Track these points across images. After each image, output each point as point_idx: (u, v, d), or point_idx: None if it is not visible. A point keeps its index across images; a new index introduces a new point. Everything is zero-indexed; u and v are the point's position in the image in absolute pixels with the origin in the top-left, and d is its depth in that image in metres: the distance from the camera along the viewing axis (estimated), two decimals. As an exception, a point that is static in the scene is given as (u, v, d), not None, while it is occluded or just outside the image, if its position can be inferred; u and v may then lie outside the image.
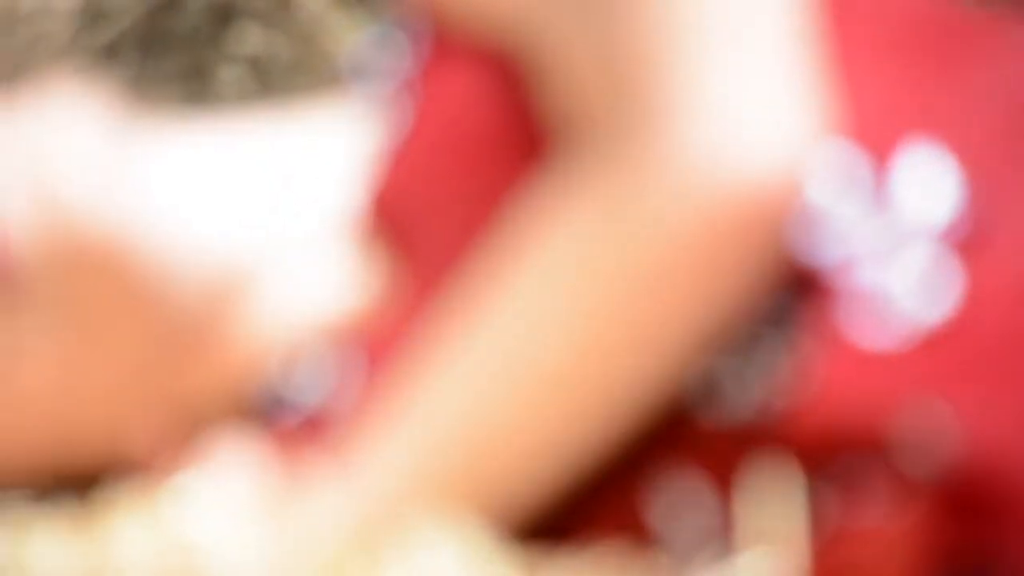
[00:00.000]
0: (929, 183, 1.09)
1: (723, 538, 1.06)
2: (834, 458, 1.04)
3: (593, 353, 1.06)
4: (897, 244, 1.07)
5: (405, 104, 1.21)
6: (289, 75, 1.44)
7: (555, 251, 1.06)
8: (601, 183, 1.06)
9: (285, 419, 1.23)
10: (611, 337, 1.05)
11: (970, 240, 1.07)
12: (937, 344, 1.05)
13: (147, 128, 1.27)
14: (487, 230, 1.14)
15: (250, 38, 1.53)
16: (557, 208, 1.06)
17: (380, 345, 1.20)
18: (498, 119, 1.16)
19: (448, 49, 1.20)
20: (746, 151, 1.04)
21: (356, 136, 1.25)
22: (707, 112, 1.04)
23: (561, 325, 1.05)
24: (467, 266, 1.14)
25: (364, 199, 1.22)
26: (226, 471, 1.19)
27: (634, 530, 1.08)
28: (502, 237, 1.12)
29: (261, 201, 1.25)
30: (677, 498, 1.07)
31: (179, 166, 1.25)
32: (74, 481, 1.21)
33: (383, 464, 1.07)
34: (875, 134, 1.11)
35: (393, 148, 1.21)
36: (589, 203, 1.06)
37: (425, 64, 1.21)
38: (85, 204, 1.19)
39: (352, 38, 1.48)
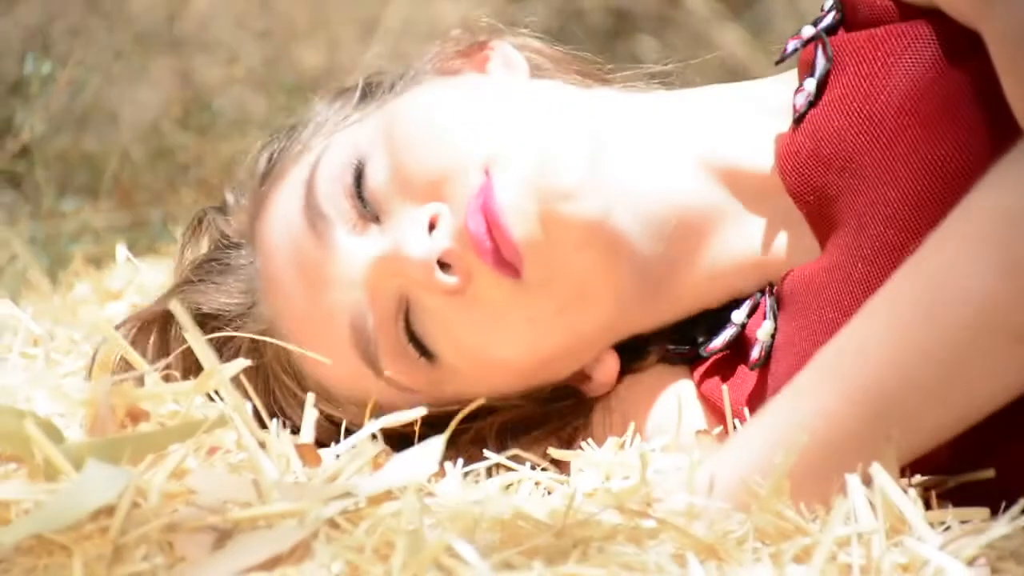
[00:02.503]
0: None
1: None
2: None
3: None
4: None
5: (843, 67, 1.29)
6: (680, 75, 1.53)
7: (996, 206, 1.10)
8: None
9: (723, 355, 1.37)
10: None
11: None
12: None
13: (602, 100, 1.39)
14: (922, 191, 1.23)
15: (644, 40, 1.63)
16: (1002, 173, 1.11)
17: (810, 295, 1.31)
18: (944, 83, 1.23)
19: (897, 13, 1.28)
20: None
21: (786, 100, 1.34)
22: None
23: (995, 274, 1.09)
24: (906, 222, 1.23)
25: (797, 157, 1.31)
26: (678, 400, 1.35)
27: None
28: (941, 199, 1.20)
29: (701, 164, 1.35)
30: None
31: (637, 135, 1.36)
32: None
33: (809, 406, 1.14)
34: None
35: (833, 108, 1.29)
36: None
37: (866, 31, 1.29)
38: (570, 181, 1.29)
39: (736, 34, 1.54)
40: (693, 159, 1.35)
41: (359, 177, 1.32)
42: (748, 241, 1.35)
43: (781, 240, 1.35)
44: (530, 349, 1.31)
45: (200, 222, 1.44)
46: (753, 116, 1.36)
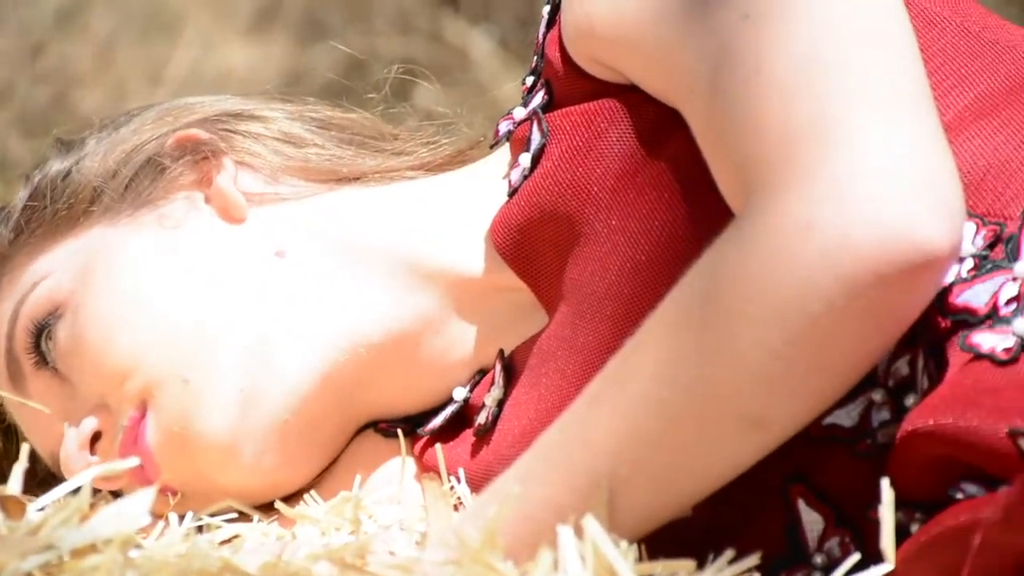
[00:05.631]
0: None
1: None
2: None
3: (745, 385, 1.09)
4: None
5: (557, 142, 1.31)
6: (460, 125, 1.54)
7: (699, 292, 1.10)
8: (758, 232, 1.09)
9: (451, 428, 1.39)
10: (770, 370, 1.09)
11: None
12: None
13: None
14: (638, 258, 1.25)
15: (428, 91, 1.64)
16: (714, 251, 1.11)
17: (538, 362, 1.33)
18: (654, 156, 1.26)
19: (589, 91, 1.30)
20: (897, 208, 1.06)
21: (503, 171, 1.37)
22: (864, 171, 1.07)
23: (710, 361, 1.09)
24: (620, 291, 1.25)
25: (510, 228, 1.33)
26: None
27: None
28: (650, 276, 1.23)
29: (415, 273, 1.38)
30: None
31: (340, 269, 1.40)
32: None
33: (523, 474, 1.15)
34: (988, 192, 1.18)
35: (546, 180, 1.31)
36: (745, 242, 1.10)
37: (566, 105, 1.31)
38: (212, 436, 1.39)
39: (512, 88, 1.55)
40: (407, 271, 1.37)
41: (46, 333, 1.39)
42: (473, 327, 1.37)
43: (509, 314, 1.36)
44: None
45: None
46: (470, 206, 1.37)
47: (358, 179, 1.41)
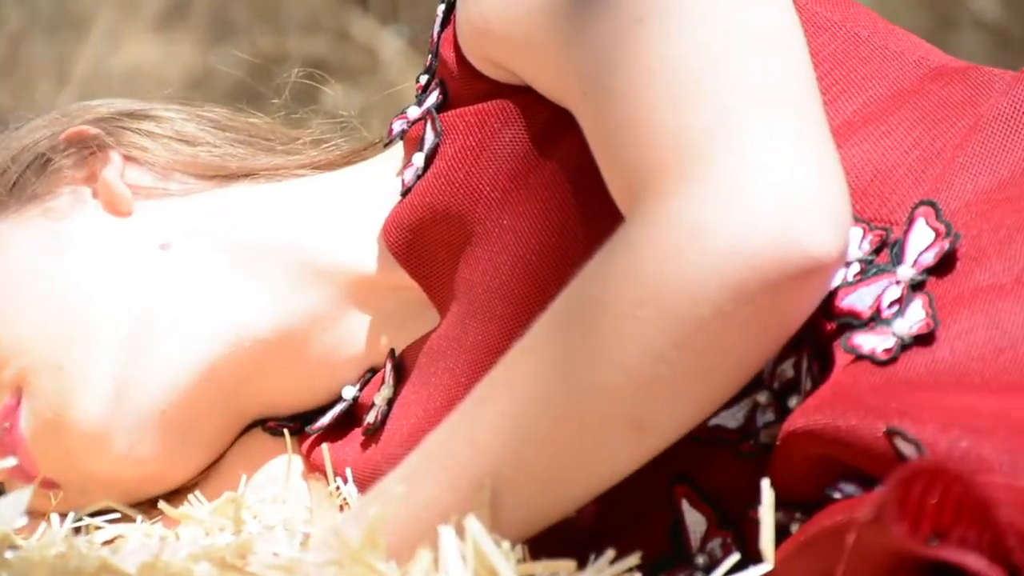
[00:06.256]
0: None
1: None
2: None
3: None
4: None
5: (451, 141, 1.31)
6: (357, 125, 1.54)
7: (590, 290, 1.10)
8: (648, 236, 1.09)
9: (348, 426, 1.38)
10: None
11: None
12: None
13: None
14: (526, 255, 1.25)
15: (336, 96, 1.63)
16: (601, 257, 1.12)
17: (428, 361, 1.32)
18: (547, 157, 1.26)
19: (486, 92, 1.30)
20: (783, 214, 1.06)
21: (396, 170, 1.36)
22: (751, 176, 1.08)
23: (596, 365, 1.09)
24: (511, 292, 1.25)
25: (402, 228, 1.33)
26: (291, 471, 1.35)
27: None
28: (537, 272, 1.23)
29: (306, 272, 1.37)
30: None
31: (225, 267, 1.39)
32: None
33: (408, 474, 1.15)
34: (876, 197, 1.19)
35: (439, 180, 1.31)
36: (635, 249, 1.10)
37: (459, 104, 1.31)
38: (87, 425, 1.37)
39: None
40: (296, 267, 1.36)
41: None
42: (364, 325, 1.37)
43: (401, 313, 1.36)
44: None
45: None
46: (361, 204, 1.37)
47: (248, 176, 1.41)
